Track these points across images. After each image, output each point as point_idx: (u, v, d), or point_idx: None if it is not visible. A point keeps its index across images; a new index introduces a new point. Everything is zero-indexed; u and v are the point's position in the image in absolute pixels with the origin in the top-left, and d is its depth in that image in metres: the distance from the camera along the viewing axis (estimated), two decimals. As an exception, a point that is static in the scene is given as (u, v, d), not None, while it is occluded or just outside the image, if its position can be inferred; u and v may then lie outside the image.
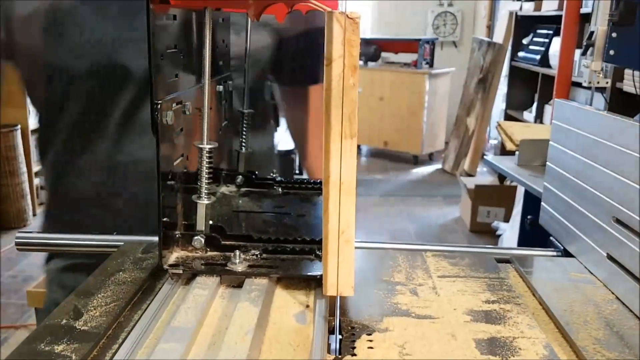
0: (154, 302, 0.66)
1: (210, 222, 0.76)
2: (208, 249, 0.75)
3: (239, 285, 0.70)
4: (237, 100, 1.04)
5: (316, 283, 0.71)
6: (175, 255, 0.73)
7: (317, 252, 0.75)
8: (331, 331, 0.62)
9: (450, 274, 0.78)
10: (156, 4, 0.65)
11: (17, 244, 0.86)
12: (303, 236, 0.77)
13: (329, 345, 0.59)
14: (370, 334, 0.62)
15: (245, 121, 1.02)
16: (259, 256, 0.74)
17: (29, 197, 4.10)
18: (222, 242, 0.75)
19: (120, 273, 0.73)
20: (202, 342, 0.59)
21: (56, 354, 0.54)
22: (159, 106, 0.65)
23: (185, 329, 0.58)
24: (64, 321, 0.60)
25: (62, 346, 0.56)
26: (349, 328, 0.63)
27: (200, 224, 0.74)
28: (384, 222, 4.38)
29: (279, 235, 0.78)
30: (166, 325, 0.59)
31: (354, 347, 0.59)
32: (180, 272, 0.70)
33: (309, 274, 0.71)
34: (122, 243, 0.83)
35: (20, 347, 0.55)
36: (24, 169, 4.05)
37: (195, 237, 0.74)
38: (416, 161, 6.10)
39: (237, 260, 0.71)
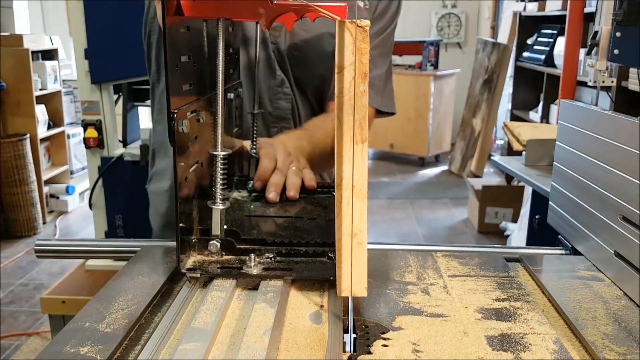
0: (173, 304, 0.68)
1: (225, 226, 0.77)
2: (223, 253, 0.77)
3: (255, 288, 0.71)
4: (248, 103, 1.07)
5: (330, 284, 0.72)
6: (192, 259, 0.75)
7: (330, 254, 0.76)
8: (345, 330, 0.63)
9: (460, 273, 0.80)
10: (171, 15, 0.67)
11: (36, 250, 0.88)
12: (315, 239, 0.79)
13: (344, 344, 0.61)
14: (384, 333, 0.63)
15: (256, 124, 1.04)
16: (273, 259, 0.76)
17: (38, 205, 4.14)
18: (237, 246, 0.77)
19: (140, 277, 0.74)
20: (221, 342, 0.61)
21: (82, 355, 0.56)
22: (174, 115, 0.67)
23: (205, 330, 0.60)
24: (88, 324, 0.62)
25: (87, 348, 0.58)
26: (363, 327, 0.65)
27: (216, 229, 0.76)
28: (392, 225, 4.39)
29: (292, 239, 0.79)
30: (186, 326, 0.61)
31: (368, 346, 0.61)
32: (198, 275, 0.72)
33: (323, 276, 0.72)
34: (139, 248, 0.85)
35: (47, 349, 0.57)
36: (33, 177, 4.08)
37: (211, 242, 0.76)
38: (422, 163, 6.11)
39: (252, 264, 0.73)
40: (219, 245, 0.76)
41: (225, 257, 0.76)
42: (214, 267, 0.74)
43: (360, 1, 1.14)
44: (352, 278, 0.64)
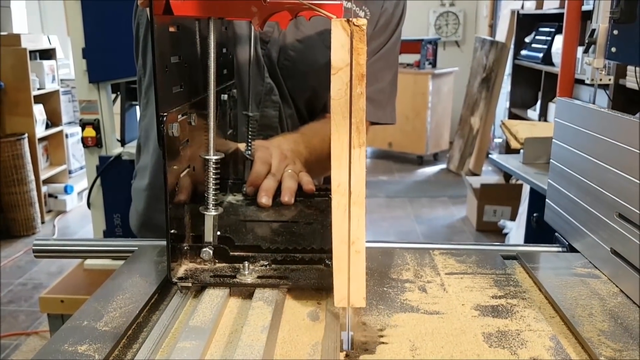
0: (171, 303, 0.68)
1: (218, 232, 0.75)
2: (216, 261, 0.74)
3: (249, 297, 0.69)
4: (240, 104, 1.05)
5: (327, 292, 0.71)
6: (183, 267, 0.73)
7: (327, 261, 0.74)
8: (343, 328, 0.63)
9: (457, 271, 0.80)
10: (159, 15, 0.64)
11: (34, 250, 0.88)
12: (312, 245, 0.77)
13: (341, 341, 0.61)
14: (381, 330, 0.64)
15: (251, 125, 1.02)
16: (268, 266, 0.74)
17: (37, 205, 4.13)
18: (231, 253, 0.74)
19: (137, 276, 0.74)
20: (219, 340, 0.61)
21: (80, 353, 0.57)
22: (164, 118, 0.64)
23: (202, 328, 0.60)
24: (86, 322, 0.62)
25: (84, 346, 0.58)
26: (360, 325, 0.65)
27: (209, 236, 0.73)
28: (391, 223, 4.39)
29: (287, 245, 0.77)
30: (184, 325, 0.61)
31: (365, 343, 0.61)
32: (189, 285, 0.70)
33: (320, 284, 0.70)
34: (136, 248, 0.85)
35: (45, 347, 0.57)
36: (31, 177, 4.08)
37: (204, 249, 0.73)
38: (421, 161, 6.12)
39: (246, 272, 0.71)
40: (211, 252, 0.73)
41: (218, 265, 0.74)
42: (206, 275, 0.71)
43: (361, 11, 1.13)
44: (350, 288, 0.62)
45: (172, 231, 0.68)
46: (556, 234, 0.95)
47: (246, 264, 0.72)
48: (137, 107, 2.57)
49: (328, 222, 0.84)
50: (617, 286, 0.76)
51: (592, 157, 0.83)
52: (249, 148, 1.01)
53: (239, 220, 0.86)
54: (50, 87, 4.37)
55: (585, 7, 3.11)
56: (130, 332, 0.63)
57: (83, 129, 2.35)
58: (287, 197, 0.92)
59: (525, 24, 4.45)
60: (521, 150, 2.23)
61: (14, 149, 3.95)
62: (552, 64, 3.83)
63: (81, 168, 4.75)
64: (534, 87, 4.35)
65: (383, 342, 0.61)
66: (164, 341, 0.60)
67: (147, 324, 0.65)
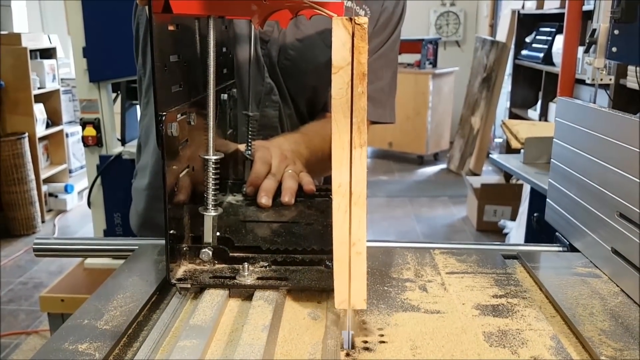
0: (171, 302, 0.68)
1: (218, 233, 0.74)
2: (216, 262, 0.73)
3: (248, 299, 0.69)
4: (240, 104, 1.05)
5: (327, 294, 0.70)
6: (182, 268, 0.72)
7: (328, 262, 0.73)
8: (343, 327, 0.63)
9: (458, 270, 0.80)
10: (159, 13, 0.64)
11: (34, 249, 0.88)
12: (312, 245, 0.76)
13: (341, 340, 0.61)
14: (381, 329, 0.64)
15: (251, 125, 1.02)
16: (267, 267, 0.73)
17: (37, 204, 4.13)
18: (230, 254, 0.74)
19: (138, 274, 0.74)
20: (220, 339, 0.61)
21: (80, 352, 0.57)
22: (163, 118, 0.64)
23: (203, 327, 0.60)
24: (86, 321, 0.62)
25: (85, 345, 0.58)
26: (361, 323, 0.65)
27: (208, 237, 0.73)
28: (391, 223, 4.39)
29: (287, 246, 0.76)
30: (185, 324, 0.61)
31: (366, 342, 0.61)
32: (188, 286, 0.69)
33: (320, 286, 0.70)
34: (136, 247, 0.85)
35: (45, 346, 0.57)
36: (32, 176, 4.08)
37: (203, 250, 0.72)
38: (421, 161, 6.11)
39: (246, 273, 0.70)
40: (211, 253, 0.72)
41: (217, 266, 0.73)
42: (205, 276, 0.70)
43: (361, 10, 1.13)
44: (351, 289, 0.61)
45: (171, 232, 0.68)
46: (557, 233, 0.95)
47: (246, 265, 0.71)
48: (138, 107, 2.58)
49: (328, 222, 0.83)
50: (617, 285, 0.76)
51: (592, 156, 0.83)
52: (249, 148, 1.01)
53: (238, 220, 0.86)
54: (50, 86, 4.37)
55: (586, 7, 3.11)
56: (130, 331, 0.63)
57: (83, 128, 2.36)
58: (287, 197, 0.92)
59: (526, 23, 4.45)
60: (522, 150, 2.23)
61: (14, 148, 3.95)
62: (552, 64, 3.83)
63: (81, 167, 4.75)
64: (535, 87, 4.35)
65: (383, 342, 0.61)
66: (164, 340, 0.60)
67: (148, 323, 0.65)
